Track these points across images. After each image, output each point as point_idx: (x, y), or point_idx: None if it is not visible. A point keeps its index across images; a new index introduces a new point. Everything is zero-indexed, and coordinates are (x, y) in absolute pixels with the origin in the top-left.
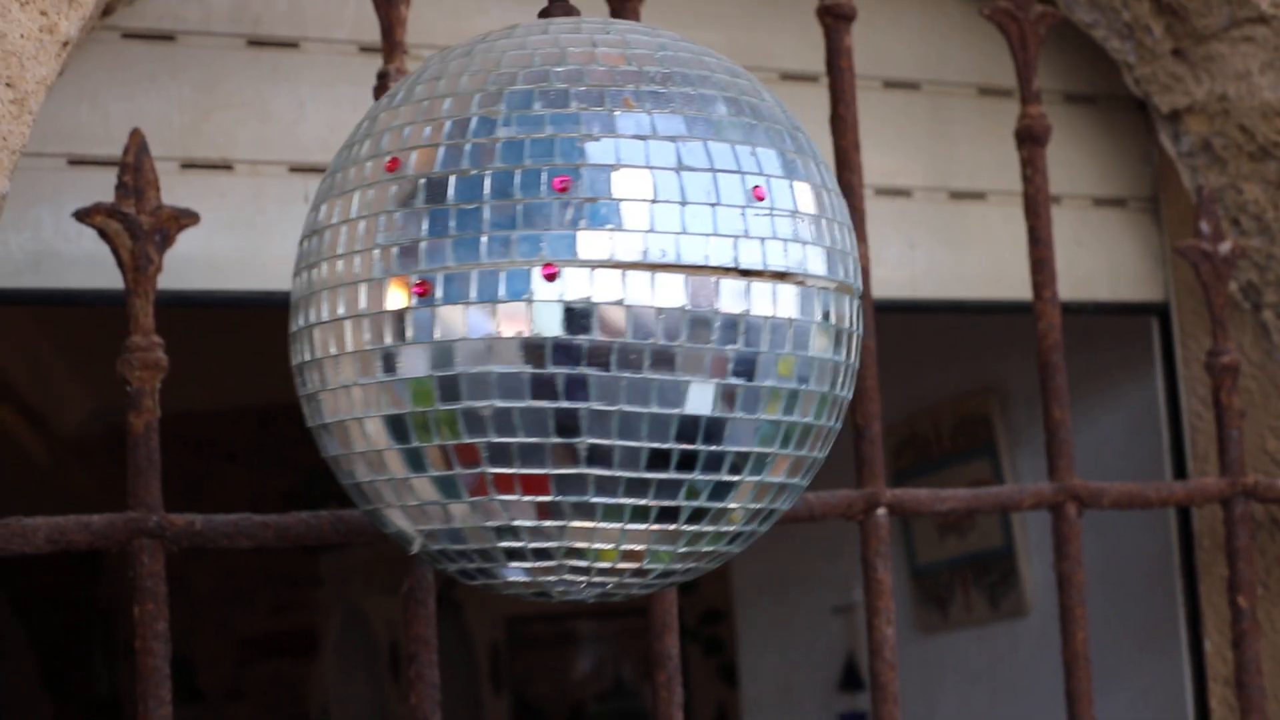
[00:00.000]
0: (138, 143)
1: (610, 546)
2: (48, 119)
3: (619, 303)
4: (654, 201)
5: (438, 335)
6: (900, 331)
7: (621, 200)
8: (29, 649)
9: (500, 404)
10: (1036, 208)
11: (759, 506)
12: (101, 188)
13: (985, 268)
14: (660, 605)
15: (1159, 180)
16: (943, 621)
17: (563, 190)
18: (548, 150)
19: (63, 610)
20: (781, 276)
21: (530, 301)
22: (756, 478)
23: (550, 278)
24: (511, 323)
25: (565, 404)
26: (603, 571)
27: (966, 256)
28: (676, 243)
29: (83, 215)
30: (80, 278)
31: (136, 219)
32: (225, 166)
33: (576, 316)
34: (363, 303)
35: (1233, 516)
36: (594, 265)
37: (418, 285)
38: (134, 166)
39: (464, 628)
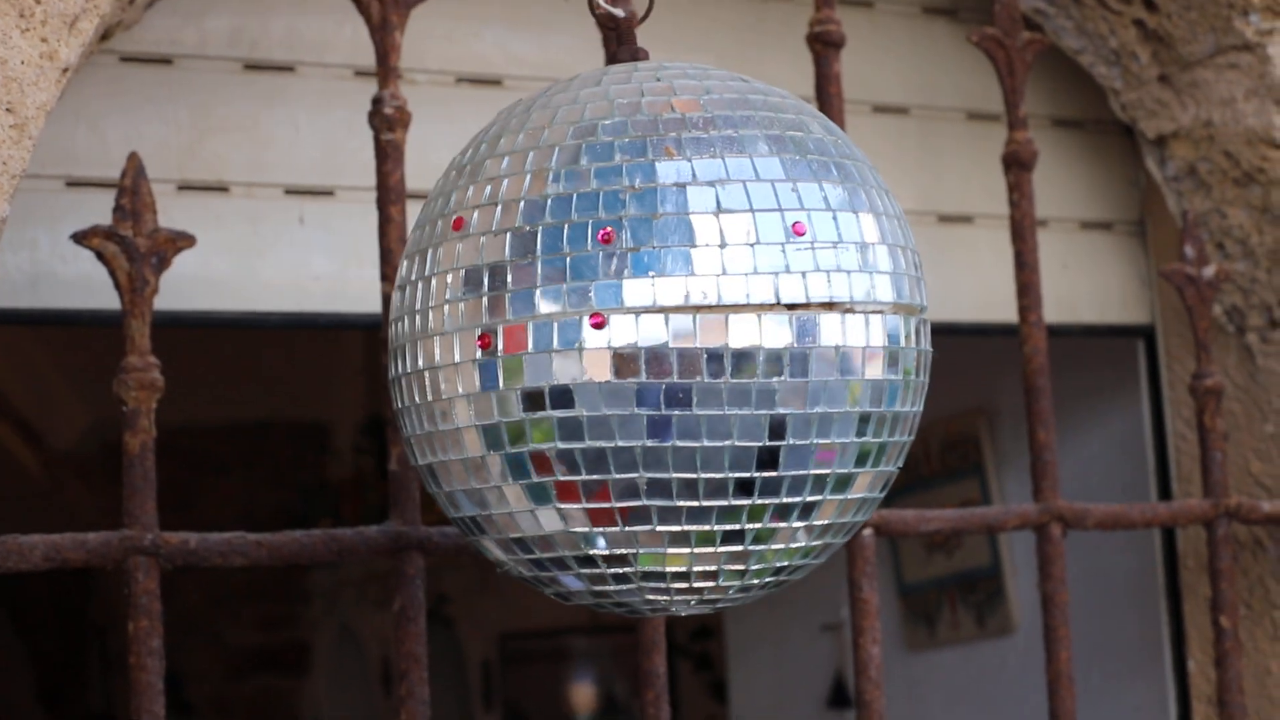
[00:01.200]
0: (135, 166)
1: (703, 568)
2: (46, 141)
3: (664, 345)
4: (693, 246)
5: (501, 384)
6: None
7: (661, 248)
8: (24, 663)
9: (562, 445)
10: (1023, 232)
11: (840, 521)
12: (98, 209)
13: (973, 291)
14: (649, 624)
15: (1145, 204)
16: (930, 639)
17: (606, 242)
18: (593, 204)
19: (58, 624)
20: (827, 306)
21: (580, 349)
22: (823, 496)
23: (598, 326)
24: (563, 369)
25: (620, 443)
26: (682, 590)
27: (954, 280)
28: (717, 284)
29: (80, 238)
30: (77, 298)
31: (133, 242)
32: (221, 188)
33: (625, 361)
34: (437, 355)
35: (1216, 538)
36: (639, 312)
37: (481, 339)
38: (131, 190)
39: (456, 644)
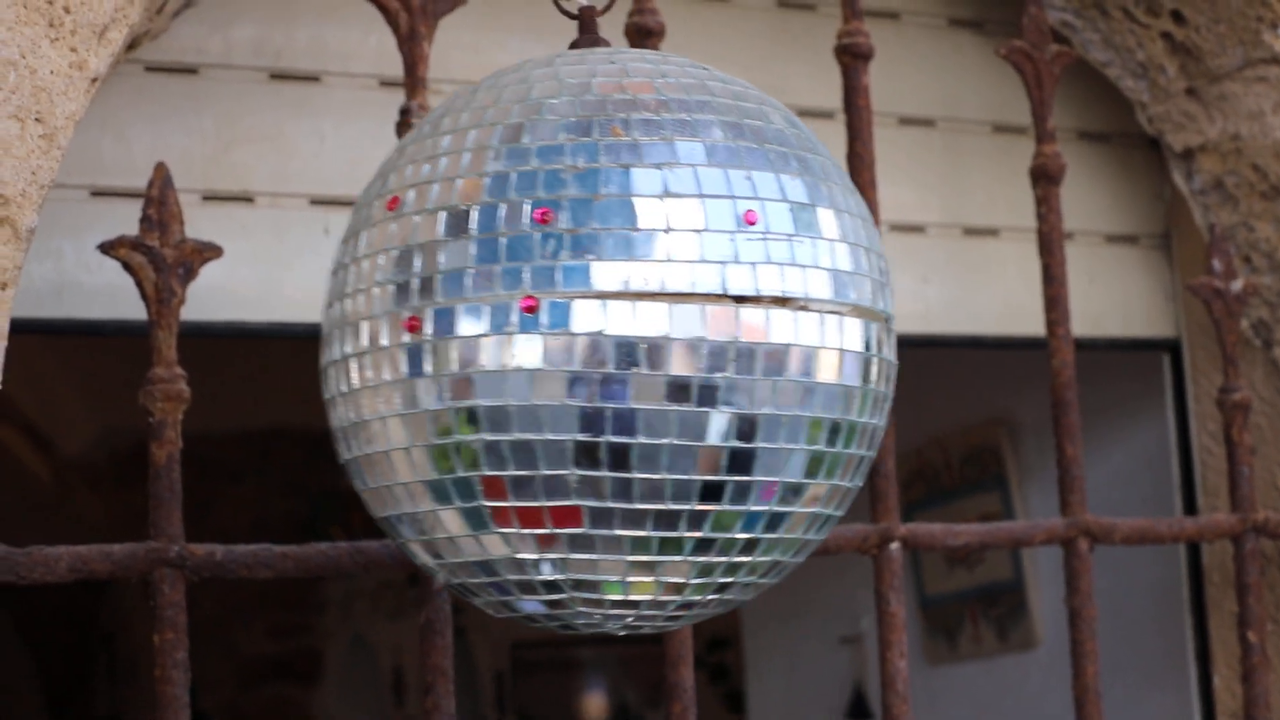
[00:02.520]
0: (162, 176)
1: (637, 579)
2: (71, 151)
3: (599, 333)
4: (635, 230)
5: (428, 369)
6: (912, 364)
7: (601, 230)
8: (32, 670)
9: (488, 437)
10: (1051, 246)
11: (789, 536)
12: (123, 219)
13: (998, 303)
14: (676, 637)
15: (1171, 218)
16: (951, 653)
17: (543, 222)
18: (531, 183)
19: (65, 632)
20: (780, 302)
21: (511, 334)
22: (787, 508)
23: (529, 310)
24: (492, 355)
25: (549, 436)
26: (617, 604)
27: (980, 292)
28: (660, 271)
29: (107, 248)
30: (102, 308)
31: (160, 252)
32: (246, 199)
33: (557, 349)
34: (364, 340)
35: (1243, 552)
36: (573, 297)
37: (408, 321)
38: (158, 200)
39: (468, 654)
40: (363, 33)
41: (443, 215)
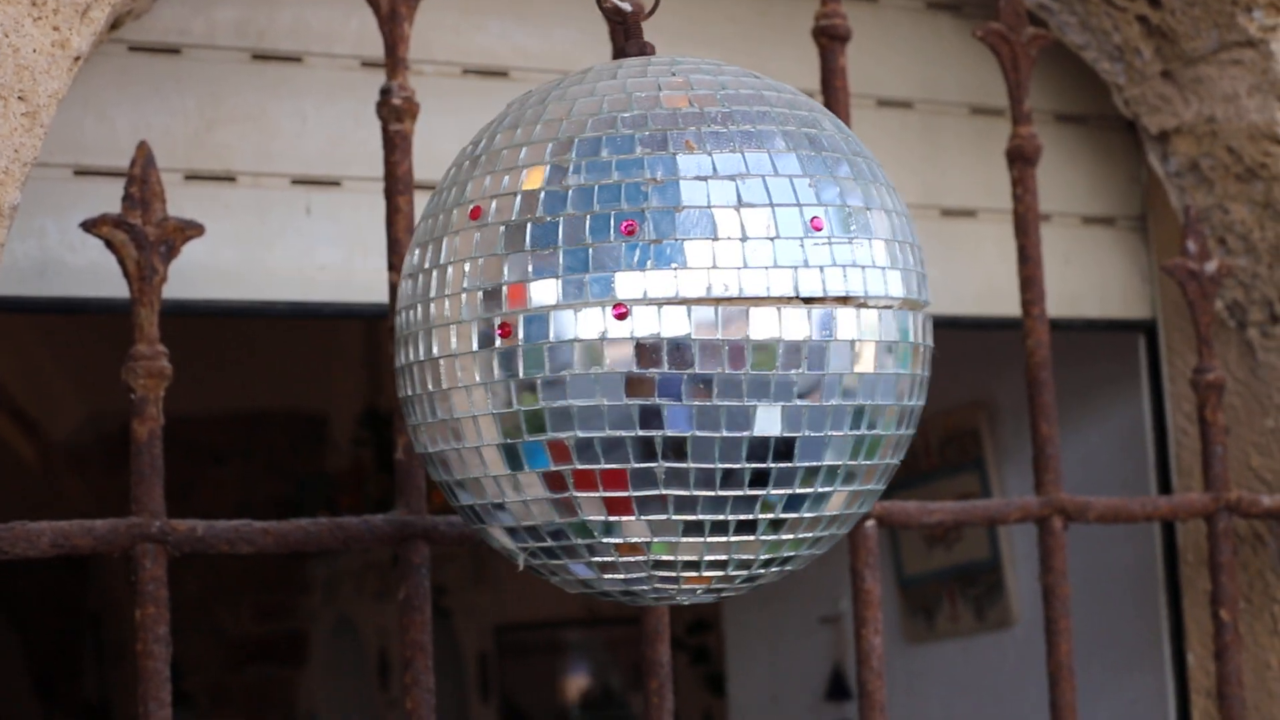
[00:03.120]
0: (144, 155)
1: (694, 558)
2: (54, 130)
3: (686, 336)
4: (715, 239)
5: (521, 373)
6: None
7: (684, 240)
8: (19, 653)
9: (581, 434)
10: (1026, 226)
11: (846, 512)
12: (106, 198)
13: (976, 285)
14: (652, 614)
15: (1147, 200)
16: (929, 632)
17: (629, 234)
18: (615, 195)
19: (52, 613)
20: (843, 301)
21: (604, 340)
22: (833, 488)
23: (621, 317)
24: (589, 357)
25: (640, 432)
26: (690, 580)
27: (958, 273)
28: (738, 277)
29: (89, 226)
30: (85, 287)
31: (142, 230)
32: (228, 178)
33: (647, 352)
34: (454, 343)
35: (1216, 531)
36: (661, 303)
37: (500, 328)
38: (140, 178)
39: (452, 636)
40: (345, 14)
41: (529, 226)
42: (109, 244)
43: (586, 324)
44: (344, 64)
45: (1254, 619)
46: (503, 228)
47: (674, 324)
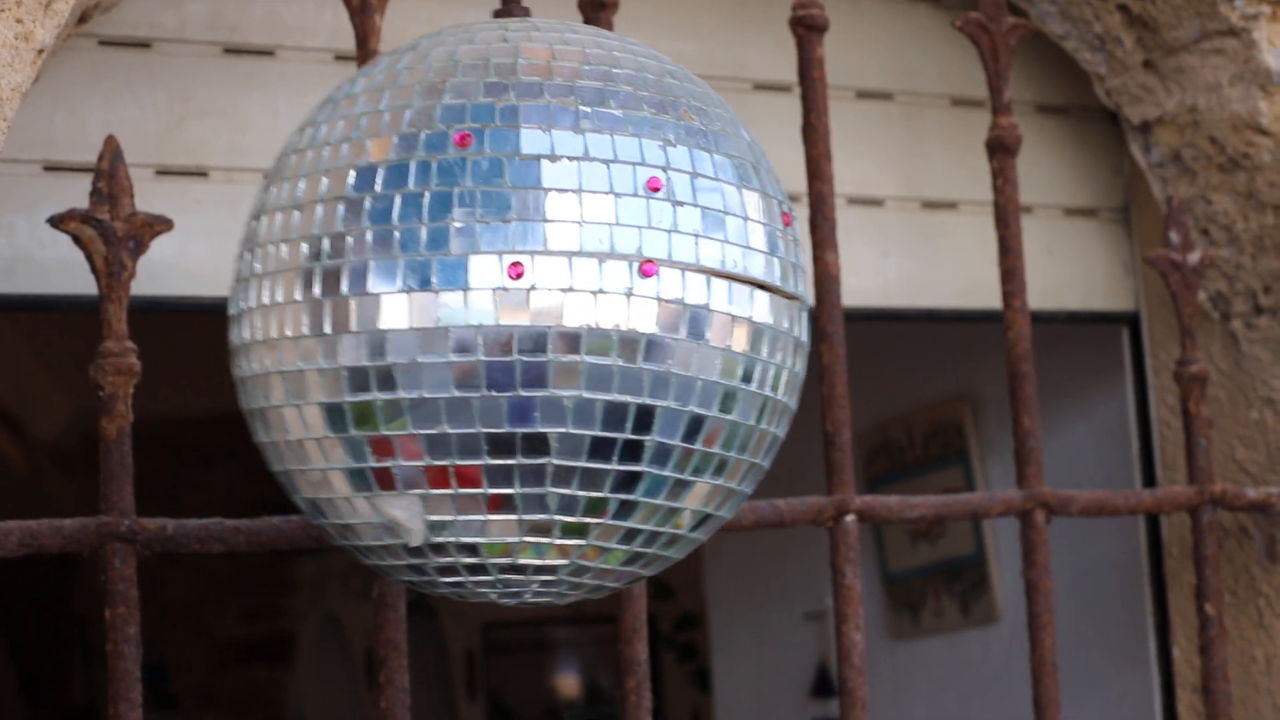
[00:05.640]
0: (112, 149)
1: (546, 541)
2: (24, 125)
3: (529, 324)
4: (548, 190)
5: (354, 326)
6: (872, 339)
7: (516, 190)
8: (5, 655)
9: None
10: (1006, 217)
11: (705, 509)
12: (77, 194)
13: (957, 277)
14: (630, 611)
15: (1130, 191)
16: (914, 628)
17: (463, 145)
18: (452, 176)
19: (38, 615)
20: (694, 269)
21: (437, 292)
22: (704, 479)
23: (517, 276)
24: (420, 314)
25: (485, 393)
26: (539, 569)
27: (938, 265)
28: (578, 232)
29: (57, 221)
30: (56, 283)
31: (110, 225)
32: (200, 173)
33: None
34: (296, 291)
35: (1200, 525)
36: (496, 289)
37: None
38: (109, 173)
39: (439, 634)
40: (317, 7)
41: (380, 171)
42: (76, 239)
43: (423, 274)
44: (317, 57)
45: (1239, 612)
46: (352, 172)
47: (513, 313)
